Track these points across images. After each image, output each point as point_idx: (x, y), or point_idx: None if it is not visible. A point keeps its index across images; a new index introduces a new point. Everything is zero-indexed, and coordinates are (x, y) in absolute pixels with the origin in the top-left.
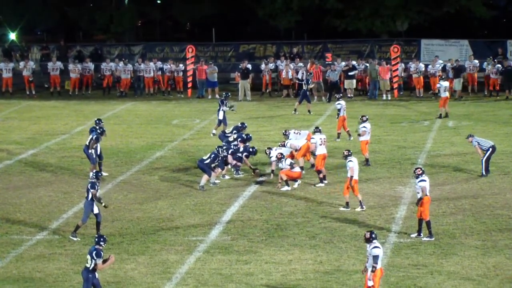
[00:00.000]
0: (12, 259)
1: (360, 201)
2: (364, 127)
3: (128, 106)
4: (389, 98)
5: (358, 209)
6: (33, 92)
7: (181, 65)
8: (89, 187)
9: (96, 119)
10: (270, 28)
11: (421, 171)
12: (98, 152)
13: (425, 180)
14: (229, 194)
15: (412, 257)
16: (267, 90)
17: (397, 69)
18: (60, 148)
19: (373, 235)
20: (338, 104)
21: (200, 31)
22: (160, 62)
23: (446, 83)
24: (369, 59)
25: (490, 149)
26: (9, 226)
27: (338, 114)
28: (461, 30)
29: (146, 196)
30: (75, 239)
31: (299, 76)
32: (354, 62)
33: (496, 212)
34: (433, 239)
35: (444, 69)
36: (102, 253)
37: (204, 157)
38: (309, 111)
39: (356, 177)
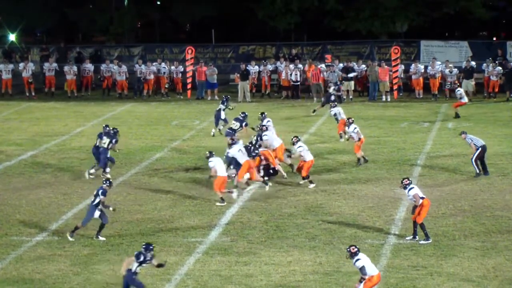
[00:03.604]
0: (11, 260)
1: (221, 197)
2: (353, 129)
3: (127, 107)
4: (389, 99)
5: (218, 204)
6: (33, 94)
7: (180, 66)
8: (99, 193)
9: (105, 126)
10: (270, 29)
11: (408, 181)
12: (108, 155)
13: (413, 188)
14: (229, 195)
15: (412, 258)
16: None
17: (397, 71)
18: (60, 150)
19: (357, 249)
20: (331, 110)
21: (200, 32)
22: (163, 64)
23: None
24: (368, 61)
25: (480, 148)
26: (8, 227)
27: (337, 119)
28: (460, 31)
29: (146, 197)
30: (71, 238)
31: (293, 78)
32: (353, 64)
33: (495, 214)
34: (430, 241)
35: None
36: (142, 257)
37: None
38: (314, 110)
39: (221, 174)
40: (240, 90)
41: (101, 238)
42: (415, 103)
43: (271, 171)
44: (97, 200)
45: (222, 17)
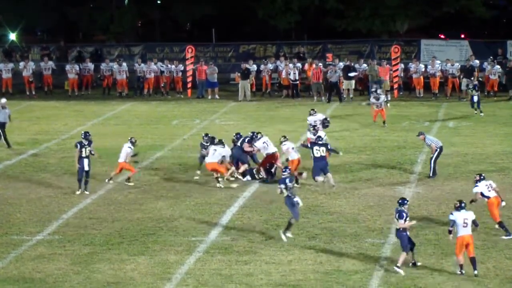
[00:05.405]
0: (12, 259)
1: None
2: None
3: (128, 107)
4: (389, 98)
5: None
6: (33, 93)
7: (180, 65)
8: (286, 181)
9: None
10: (270, 28)
11: (477, 178)
12: (88, 168)
13: (477, 186)
14: (229, 195)
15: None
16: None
17: (397, 69)
18: (60, 149)
19: (462, 205)
20: (380, 96)
21: (200, 31)
22: (160, 63)
23: None
24: (368, 60)
25: (438, 149)
26: (9, 226)
27: (381, 105)
28: (461, 30)
29: (146, 197)
30: (285, 238)
31: (291, 77)
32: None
33: None
34: (511, 236)
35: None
36: (404, 214)
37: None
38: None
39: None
40: (241, 89)
41: (289, 235)
42: (416, 102)
43: (272, 171)
44: (288, 192)
45: (223, 16)
